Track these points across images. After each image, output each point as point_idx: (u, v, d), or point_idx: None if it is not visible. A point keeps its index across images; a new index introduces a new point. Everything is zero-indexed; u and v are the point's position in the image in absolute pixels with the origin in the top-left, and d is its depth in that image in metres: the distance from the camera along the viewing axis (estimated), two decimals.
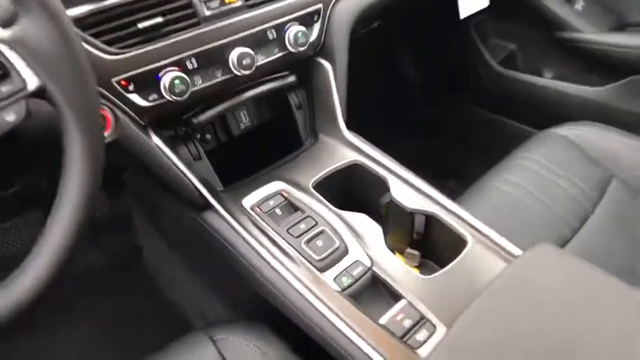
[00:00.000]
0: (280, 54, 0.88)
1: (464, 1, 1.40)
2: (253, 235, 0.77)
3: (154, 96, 0.75)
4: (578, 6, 1.44)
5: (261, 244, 0.76)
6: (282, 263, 0.74)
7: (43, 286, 0.51)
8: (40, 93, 0.50)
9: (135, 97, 0.74)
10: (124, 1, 0.72)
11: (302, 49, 0.89)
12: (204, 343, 0.74)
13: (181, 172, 0.79)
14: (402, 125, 1.85)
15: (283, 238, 0.76)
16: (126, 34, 0.72)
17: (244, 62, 0.81)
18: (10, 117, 0.49)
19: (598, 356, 0.60)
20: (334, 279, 0.72)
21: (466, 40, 1.65)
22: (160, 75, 0.75)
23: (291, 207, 0.82)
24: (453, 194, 0.88)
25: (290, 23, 0.88)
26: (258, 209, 0.81)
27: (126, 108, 0.73)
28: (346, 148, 0.94)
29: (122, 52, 0.72)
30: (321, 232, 0.76)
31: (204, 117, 0.86)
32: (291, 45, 0.88)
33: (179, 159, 0.80)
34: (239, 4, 0.82)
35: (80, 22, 0.68)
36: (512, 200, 1.05)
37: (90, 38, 0.69)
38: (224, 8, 0.80)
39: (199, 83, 0.80)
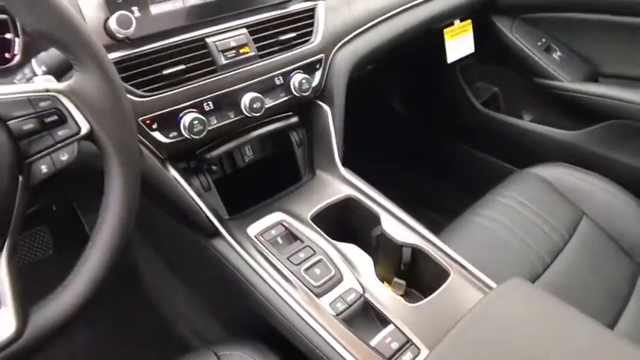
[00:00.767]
0: (286, 98, 0.98)
1: (451, 46, 1.52)
2: (257, 261, 0.86)
3: (174, 134, 0.84)
4: (556, 56, 1.56)
5: (264, 269, 0.84)
6: (283, 288, 0.82)
7: (80, 305, 0.59)
8: (89, 136, 0.59)
9: (157, 135, 0.83)
10: (152, 50, 0.82)
11: (305, 93, 0.99)
12: (210, 359, 0.82)
13: (194, 201, 0.88)
14: (390, 157, 1.96)
15: (284, 265, 0.84)
16: (152, 79, 0.82)
17: (255, 106, 0.90)
18: (64, 157, 0.58)
19: None
20: (330, 304, 0.80)
21: (452, 81, 1.77)
22: (180, 116, 0.84)
23: (292, 236, 0.91)
24: (432, 224, 0.98)
25: (295, 71, 0.98)
26: (261, 237, 0.89)
27: (149, 144, 0.82)
28: (341, 184, 1.03)
29: (148, 95, 0.81)
30: (319, 260, 0.85)
31: (216, 153, 0.95)
32: (295, 90, 0.98)
33: (192, 189, 0.88)
34: (252, 54, 0.92)
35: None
36: (491, 235, 1.14)
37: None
38: (238, 58, 0.90)
39: (214, 123, 0.89)
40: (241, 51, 0.91)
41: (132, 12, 0.79)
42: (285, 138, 1.10)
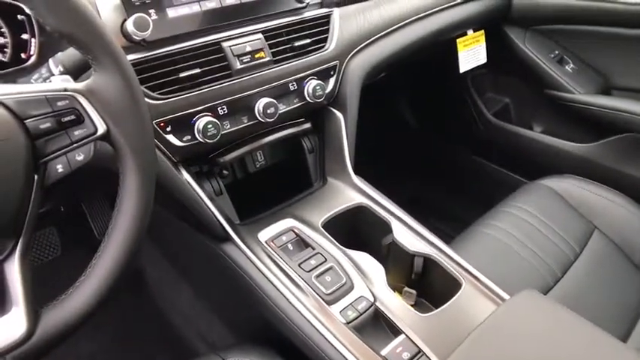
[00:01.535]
0: (299, 104, 0.98)
1: (464, 56, 1.51)
2: (268, 267, 0.85)
3: (188, 137, 0.84)
4: (569, 68, 1.55)
5: (275, 275, 0.84)
6: (293, 294, 0.81)
7: (91, 308, 0.59)
8: (106, 137, 0.59)
9: (171, 138, 0.82)
10: (168, 52, 0.82)
11: (319, 100, 0.98)
12: None
13: (205, 205, 0.87)
14: (398, 165, 1.95)
15: (295, 272, 0.84)
16: (167, 82, 0.82)
17: (269, 111, 0.90)
18: (80, 157, 0.58)
19: None
20: (340, 312, 0.79)
21: (463, 91, 1.76)
22: (194, 119, 0.84)
23: (302, 243, 0.90)
24: (441, 235, 0.97)
25: (309, 77, 0.98)
26: (272, 244, 0.89)
27: (162, 147, 0.82)
28: (353, 191, 1.03)
29: (163, 97, 0.81)
30: (330, 268, 0.84)
31: (228, 157, 0.95)
32: (309, 96, 0.97)
33: (204, 193, 0.88)
34: (267, 59, 0.92)
35: None
36: (502, 247, 1.14)
37: None
38: (253, 63, 0.90)
39: (228, 127, 0.89)
40: (256, 56, 0.91)
41: (149, 15, 0.79)
42: (297, 144, 1.09)
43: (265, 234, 0.91)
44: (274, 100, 0.91)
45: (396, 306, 0.82)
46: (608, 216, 1.26)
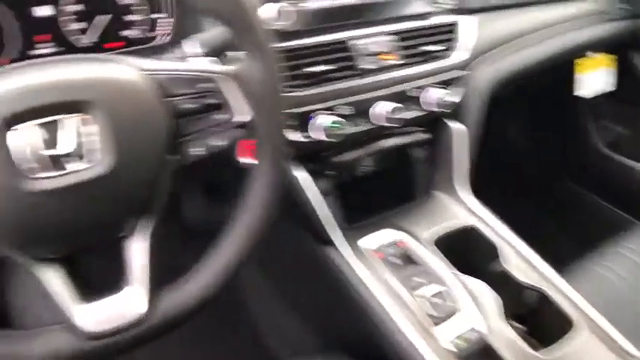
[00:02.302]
0: (420, 112, 0.93)
1: (587, 80, 1.41)
2: (372, 278, 0.81)
3: (307, 134, 0.81)
4: None
5: (379, 288, 0.80)
6: (399, 311, 0.77)
7: (209, 295, 0.57)
8: (246, 124, 0.57)
9: (290, 133, 0.80)
10: (296, 46, 0.80)
11: (441, 109, 0.93)
12: None
13: (315, 204, 0.85)
14: (497, 189, 1.85)
15: (402, 288, 0.79)
16: (292, 76, 0.80)
17: (389, 116, 0.86)
18: (217, 142, 0.56)
19: None
20: (448, 338, 0.74)
21: (576, 117, 1.65)
22: (314, 116, 0.81)
23: (409, 259, 0.85)
24: None
25: (433, 85, 0.93)
26: (377, 254, 0.85)
27: None
28: (461, 209, 0.97)
29: (286, 91, 0.78)
30: (440, 289, 0.79)
31: (343, 158, 0.92)
32: (431, 104, 0.93)
33: (313, 192, 0.85)
34: (392, 62, 0.88)
35: None
36: (616, 291, 1.04)
37: None
38: (379, 64, 0.87)
39: (348, 128, 0.86)
40: (383, 58, 0.87)
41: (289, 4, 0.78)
42: (406, 153, 1.05)
43: (369, 242, 0.87)
44: (396, 105, 0.87)
45: (509, 341, 0.76)
46: None
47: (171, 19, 0.86)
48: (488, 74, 1.03)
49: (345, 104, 0.85)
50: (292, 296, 1.24)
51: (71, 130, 0.47)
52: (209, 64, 0.56)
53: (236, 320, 1.36)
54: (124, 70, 0.52)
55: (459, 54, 0.98)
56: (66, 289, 0.50)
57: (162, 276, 0.55)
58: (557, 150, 1.79)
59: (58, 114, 0.47)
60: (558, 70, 1.42)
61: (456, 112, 1.00)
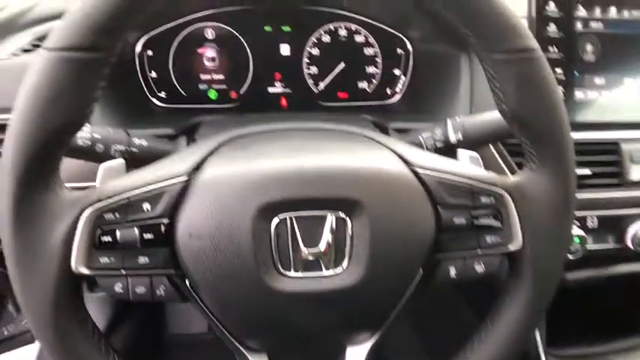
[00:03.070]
0: None
1: None
2: None
3: None
4: None
5: None
6: None
7: None
8: (515, 253, 0.46)
9: None
10: None
11: None
12: None
13: None
14: None
15: None
16: None
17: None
18: (480, 267, 0.46)
19: None
20: None
21: None
22: None
23: None
24: None
25: None
26: None
27: None
28: None
29: None
30: None
31: (576, 276, 0.77)
32: None
33: None
34: None
35: None
36: None
37: None
38: None
39: (590, 245, 0.71)
40: None
41: None
42: None
43: None
44: None
45: None
46: None
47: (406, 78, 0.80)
48: None
49: (597, 216, 0.71)
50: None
51: (326, 229, 0.40)
52: (489, 174, 0.46)
53: None
54: (394, 164, 0.44)
55: None
56: None
57: None
58: None
59: (319, 209, 0.40)
60: None
61: None
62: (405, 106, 0.81)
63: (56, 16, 0.73)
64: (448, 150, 0.59)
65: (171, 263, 0.40)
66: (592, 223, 0.71)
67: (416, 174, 0.43)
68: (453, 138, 0.58)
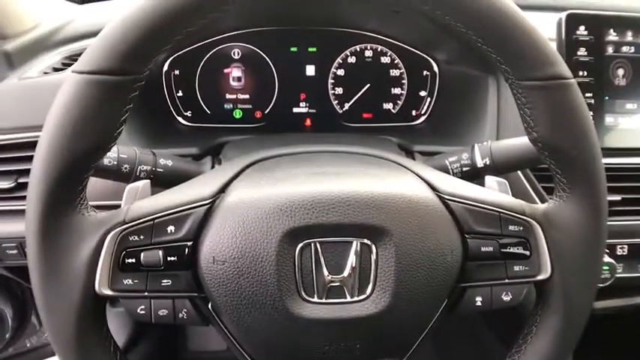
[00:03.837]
0: None
1: None
2: None
3: None
4: None
5: None
6: None
7: None
8: (543, 282, 0.44)
9: None
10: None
11: None
12: None
13: None
14: None
15: None
16: None
17: None
18: (507, 297, 0.44)
19: None
20: None
21: None
22: None
23: None
24: None
25: None
26: None
27: None
28: None
29: None
30: None
31: (606, 304, 0.75)
32: None
33: None
34: None
35: None
36: None
37: None
38: None
39: (619, 273, 0.69)
40: None
41: None
42: None
43: None
44: None
45: None
46: None
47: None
48: None
49: (627, 244, 0.69)
50: None
51: (351, 256, 0.40)
52: (517, 202, 0.44)
53: None
54: (421, 190, 0.43)
55: None
56: None
57: None
58: None
59: (344, 235, 0.40)
60: None
61: None
62: (430, 128, 0.80)
63: (89, 35, 0.74)
64: (475, 175, 0.58)
65: (194, 286, 0.40)
66: (622, 250, 0.69)
67: (443, 201, 0.43)
68: (480, 163, 0.57)
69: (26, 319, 0.84)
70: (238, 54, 0.77)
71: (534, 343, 0.46)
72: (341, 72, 0.79)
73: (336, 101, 0.80)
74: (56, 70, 0.68)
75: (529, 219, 0.44)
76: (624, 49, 0.69)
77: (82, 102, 0.35)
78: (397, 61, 0.79)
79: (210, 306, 0.40)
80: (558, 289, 0.44)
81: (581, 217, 0.44)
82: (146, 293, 0.39)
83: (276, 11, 0.73)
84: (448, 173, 0.57)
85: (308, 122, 0.80)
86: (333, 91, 0.79)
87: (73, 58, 0.71)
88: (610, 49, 0.69)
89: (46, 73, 0.67)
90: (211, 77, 0.77)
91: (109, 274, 0.38)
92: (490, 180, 0.51)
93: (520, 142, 0.56)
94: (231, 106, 0.78)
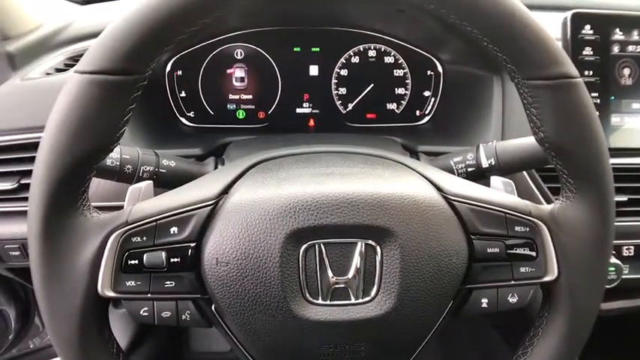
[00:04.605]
0: None
1: None
2: None
3: None
4: None
5: None
6: None
7: None
8: (550, 284, 0.44)
9: None
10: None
11: None
12: None
13: None
14: None
15: None
16: None
17: None
18: (513, 299, 0.44)
19: None
20: None
21: None
22: None
23: None
24: None
25: None
26: None
27: None
28: None
29: None
30: None
31: (612, 305, 0.74)
32: None
33: None
34: None
35: None
36: None
37: None
38: None
39: (624, 274, 0.68)
40: None
41: None
42: None
43: None
44: None
45: None
46: None
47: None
48: None
49: (633, 245, 0.68)
50: None
51: (355, 257, 0.39)
52: (523, 202, 0.44)
53: None
54: (426, 191, 0.42)
55: None
56: None
57: None
58: None
59: (348, 237, 0.39)
60: None
61: None
62: (434, 128, 0.80)
63: (91, 35, 0.74)
64: (480, 175, 0.58)
65: (197, 288, 0.39)
66: (628, 252, 0.68)
67: (448, 201, 0.42)
68: (485, 163, 0.57)
69: (29, 320, 0.84)
70: (241, 54, 0.76)
71: (540, 345, 0.45)
72: (344, 72, 0.78)
73: (340, 101, 0.79)
74: (59, 70, 0.68)
75: (535, 220, 0.43)
76: (630, 48, 0.68)
77: (84, 102, 0.35)
78: (401, 60, 0.79)
79: (213, 308, 0.40)
80: (565, 290, 0.44)
81: (589, 218, 0.43)
82: (149, 295, 0.38)
83: (279, 11, 0.73)
84: (453, 174, 0.56)
85: (311, 122, 0.80)
86: (336, 91, 0.79)
87: (75, 58, 0.71)
88: (616, 49, 0.68)
89: (48, 73, 0.67)
90: (214, 77, 0.76)
91: (112, 275, 0.37)
92: (495, 180, 0.51)
93: (526, 142, 0.56)
94: (235, 106, 0.78)
